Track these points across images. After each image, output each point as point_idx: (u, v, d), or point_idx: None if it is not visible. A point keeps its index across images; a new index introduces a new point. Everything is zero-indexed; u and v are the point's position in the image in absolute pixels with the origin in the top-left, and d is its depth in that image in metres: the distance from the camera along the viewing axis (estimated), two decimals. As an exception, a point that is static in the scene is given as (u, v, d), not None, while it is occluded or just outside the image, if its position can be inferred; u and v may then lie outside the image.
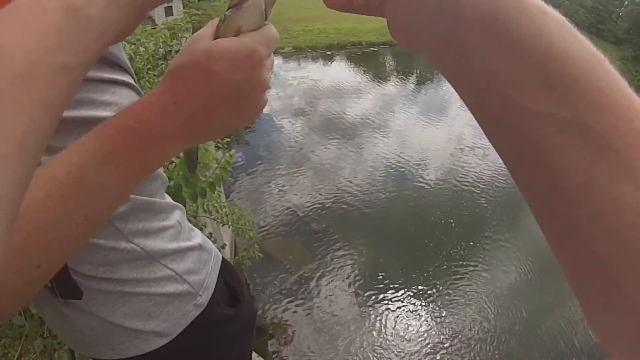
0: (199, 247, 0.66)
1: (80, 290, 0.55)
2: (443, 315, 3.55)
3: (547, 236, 0.22)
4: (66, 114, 0.36)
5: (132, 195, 0.52)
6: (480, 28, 0.22)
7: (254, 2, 0.35)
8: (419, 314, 3.53)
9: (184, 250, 0.63)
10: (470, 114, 0.23)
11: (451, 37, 0.24)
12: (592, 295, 0.21)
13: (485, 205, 4.98)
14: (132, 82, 0.53)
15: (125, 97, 0.51)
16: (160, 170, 0.63)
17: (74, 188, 0.32)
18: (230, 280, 0.73)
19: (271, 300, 3.47)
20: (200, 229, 2.54)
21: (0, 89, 0.19)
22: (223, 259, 0.72)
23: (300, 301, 3.48)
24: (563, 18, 0.22)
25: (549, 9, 0.22)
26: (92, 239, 0.52)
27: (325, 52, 10.54)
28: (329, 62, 10.04)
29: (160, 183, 0.61)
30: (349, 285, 3.71)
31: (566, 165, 0.20)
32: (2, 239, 0.20)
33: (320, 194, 4.91)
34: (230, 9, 0.35)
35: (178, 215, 0.64)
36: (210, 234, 2.63)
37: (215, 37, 0.36)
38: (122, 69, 0.51)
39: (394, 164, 5.68)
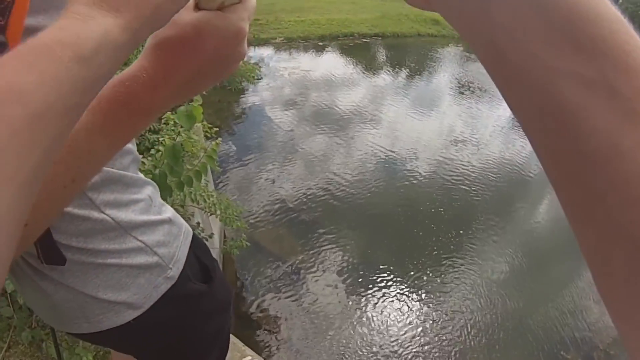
0: (169, 221, 0.68)
1: (63, 255, 0.57)
2: (433, 300, 3.60)
3: (565, 204, 0.22)
4: None
5: (104, 168, 0.55)
6: None
7: None
8: (409, 301, 3.58)
9: (154, 223, 0.65)
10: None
11: None
12: (610, 268, 0.20)
13: (475, 195, 5.03)
14: None
15: None
16: (133, 147, 0.65)
17: (64, 154, 0.34)
18: (202, 256, 0.75)
19: (260, 290, 3.48)
20: (188, 219, 2.54)
21: (19, 127, 0.21)
22: (194, 235, 0.74)
23: (290, 291, 3.49)
24: None
25: None
26: (67, 208, 0.54)
27: (317, 42, 10.44)
28: (321, 53, 9.97)
29: (131, 159, 0.63)
30: (339, 274, 3.74)
31: (590, 127, 0.19)
32: (6, 258, 0.23)
33: (311, 184, 4.92)
34: None
35: (149, 191, 0.66)
36: (198, 223, 2.62)
37: (196, 5, 0.37)
38: None
39: (384, 155, 5.70)
